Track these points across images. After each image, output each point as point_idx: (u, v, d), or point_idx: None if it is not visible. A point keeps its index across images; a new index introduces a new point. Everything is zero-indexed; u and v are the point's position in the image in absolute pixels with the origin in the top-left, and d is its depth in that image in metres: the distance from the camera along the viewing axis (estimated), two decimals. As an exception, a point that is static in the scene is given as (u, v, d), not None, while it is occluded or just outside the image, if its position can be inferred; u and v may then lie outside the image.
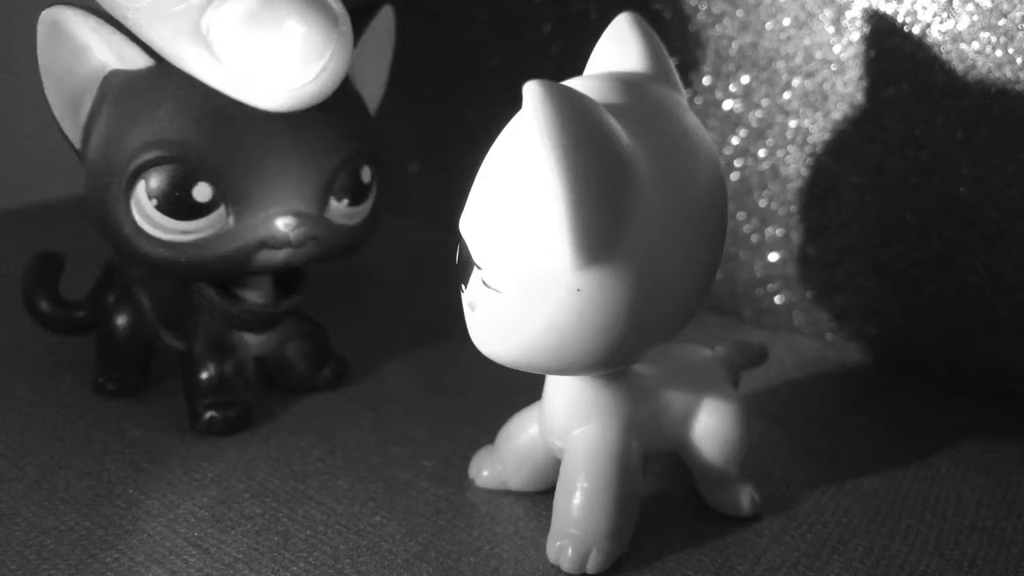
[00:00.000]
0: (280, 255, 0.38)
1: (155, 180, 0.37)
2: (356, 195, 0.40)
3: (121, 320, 0.42)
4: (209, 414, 0.40)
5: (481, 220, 0.30)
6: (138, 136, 0.37)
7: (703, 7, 0.50)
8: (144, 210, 0.37)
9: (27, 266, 0.44)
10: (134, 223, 0.37)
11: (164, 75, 0.37)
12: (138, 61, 0.37)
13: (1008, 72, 0.43)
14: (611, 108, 0.28)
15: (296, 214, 0.38)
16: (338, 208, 0.39)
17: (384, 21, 0.43)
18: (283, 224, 0.38)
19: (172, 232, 0.37)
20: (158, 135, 0.37)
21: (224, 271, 0.39)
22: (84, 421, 0.41)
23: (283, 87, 0.36)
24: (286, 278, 0.42)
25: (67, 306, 0.44)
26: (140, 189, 0.37)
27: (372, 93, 0.43)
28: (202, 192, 0.37)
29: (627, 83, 0.31)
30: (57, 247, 0.45)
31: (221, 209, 0.37)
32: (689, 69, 0.51)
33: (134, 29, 0.37)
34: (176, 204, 0.37)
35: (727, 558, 0.34)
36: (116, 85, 0.37)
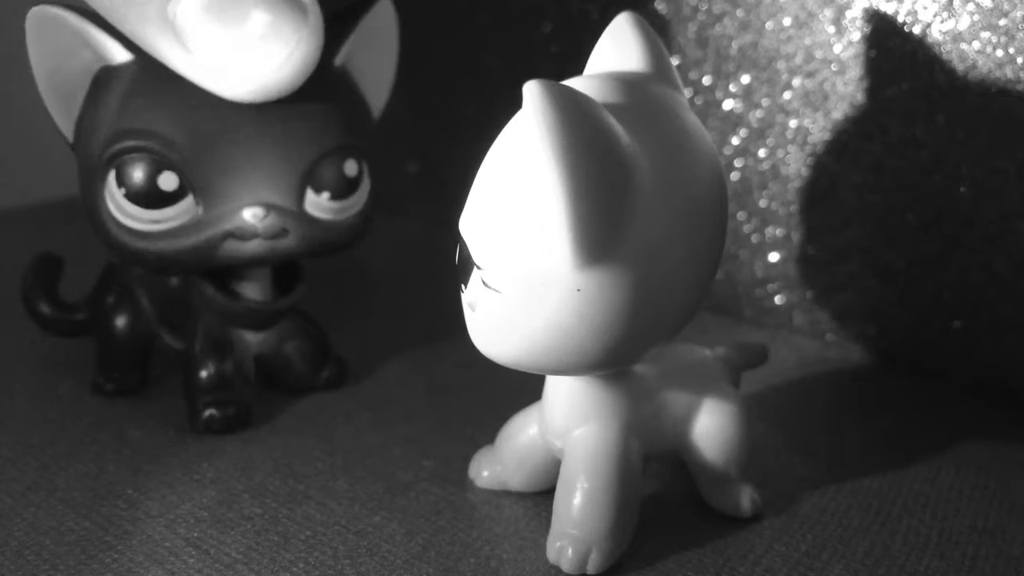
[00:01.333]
0: (249, 247, 0.38)
1: (124, 169, 0.37)
2: (340, 189, 0.39)
3: (120, 320, 0.42)
4: (208, 412, 0.40)
5: (481, 220, 0.30)
6: (109, 127, 0.37)
7: (703, 7, 0.50)
8: (116, 199, 0.37)
9: (26, 268, 0.44)
10: (110, 213, 0.38)
11: (142, 68, 0.38)
12: (120, 55, 0.38)
13: (1008, 72, 0.43)
14: (611, 108, 0.28)
15: (266, 205, 0.38)
16: (318, 202, 0.39)
17: (382, 15, 0.43)
18: (250, 215, 0.38)
19: (143, 222, 0.37)
20: (126, 125, 0.37)
21: (196, 262, 0.39)
22: (84, 421, 0.41)
23: (249, 76, 0.36)
24: (285, 276, 0.42)
25: (67, 308, 0.44)
26: (111, 179, 0.37)
27: (376, 89, 0.43)
28: (168, 181, 0.37)
29: (627, 83, 0.31)
30: (57, 247, 0.45)
31: (189, 199, 0.37)
32: (689, 69, 0.51)
33: (110, 19, 0.37)
34: (143, 193, 0.37)
35: (727, 559, 0.34)
36: (101, 80, 0.38)
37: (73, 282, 0.44)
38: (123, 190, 0.37)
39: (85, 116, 0.38)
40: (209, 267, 0.39)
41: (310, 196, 0.39)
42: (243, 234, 0.38)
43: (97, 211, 0.38)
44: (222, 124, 0.37)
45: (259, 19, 0.36)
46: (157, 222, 0.37)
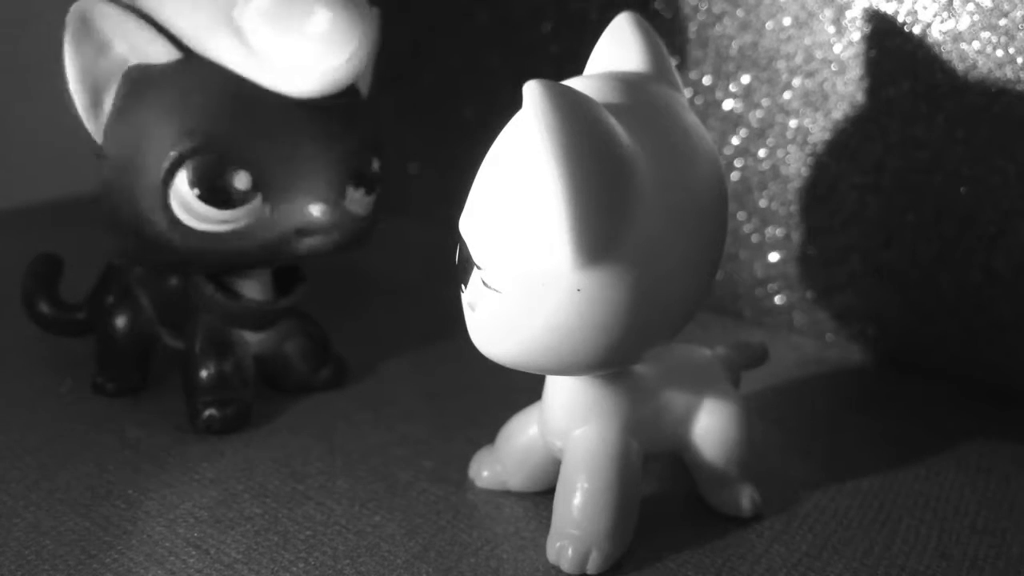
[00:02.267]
0: (310, 242, 0.39)
1: (196, 170, 0.37)
2: (370, 184, 0.40)
3: (121, 321, 0.42)
4: (208, 412, 0.40)
5: (481, 220, 0.30)
6: (174, 127, 0.37)
7: (703, 7, 0.50)
8: (185, 201, 0.37)
9: (26, 269, 0.44)
10: (171, 215, 0.37)
11: (192, 67, 0.37)
12: (165, 54, 0.37)
13: (1008, 72, 0.43)
14: (611, 108, 0.28)
15: (327, 201, 0.38)
16: (355, 196, 0.40)
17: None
18: (318, 211, 0.38)
19: (212, 222, 0.37)
20: (194, 125, 0.37)
21: (264, 260, 0.39)
22: (84, 421, 0.41)
23: (315, 72, 0.37)
24: (285, 275, 0.42)
25: (67, 308, 0.44)
26: (181, 179, 0.37)
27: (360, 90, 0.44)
28: (242, 180, 0.37)
29: (627, 83, 0.31)
30: (57, 247, 0.45)
31: (258, 197, 0.38)
32: (689, 69, 0.51)
33: (165, 20, 0.37)
34: (218, 193, 0.37)
35: (727, 558, 0.34)
36: (141, 79, 0.37)
37: (73, 282, 0.44)
38: (196, 191, 0.37)
39: (121, 117, 0.38)
40: (273, 264, 0.40)
41: (350, 191, 0.39)
42: (311, 229, 0.38)
43: (147, 215, 0.37)
44: (285, 122, 0.38)
45: (323, 16, 0.37)
46: (227, 222, 0.37)
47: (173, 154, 0.37)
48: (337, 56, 0.37)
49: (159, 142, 0.37)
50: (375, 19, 0.39)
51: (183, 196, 0.37)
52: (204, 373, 0.40)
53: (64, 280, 0.44)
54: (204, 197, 0.37)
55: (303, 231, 0.38)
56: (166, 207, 0.37)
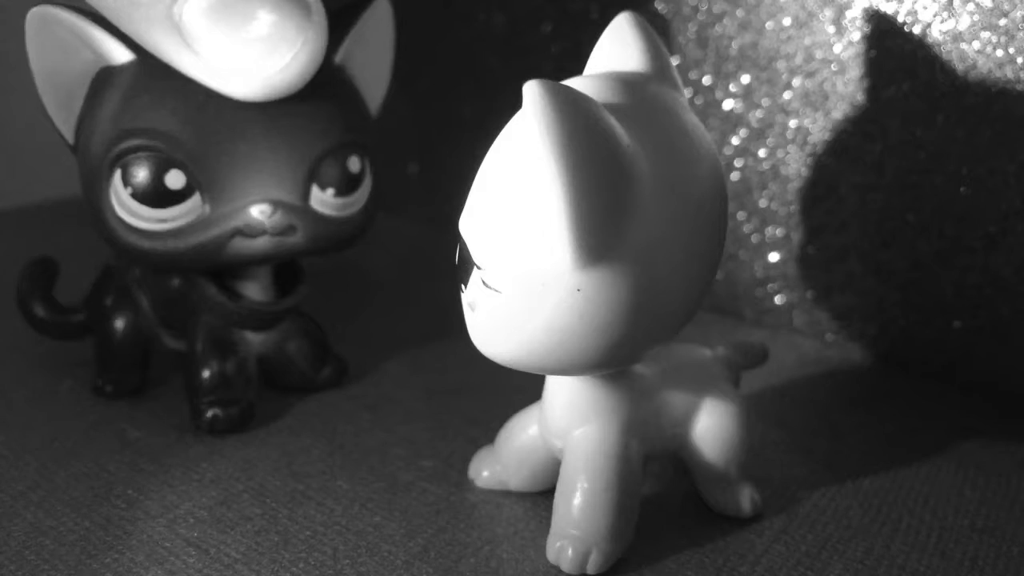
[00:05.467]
0: (257, 244, 0.38)
1: (129, 169, 0.37)
2: (343, 185, 0.40)
3: (119, 322, 0.42)
4: (212, 412, 0.40)
5: (481, 220, 0.30)
6: (113, 127, 0.37)
7: (703, 7, 0.50)
8: (121, 199, 0.37)
9: (20, 272, 0.44)
10: (115, 213, 0.38)
11: (144, 67, 0.38)
12: (122, 56, 0.38)
13: (1009, 72, 0.43)
14: (611, 108, 0.28)
15: (272, 202, 0.38)
16: (323, 198, 0.39)
17: (380, 13, 0.43)
18: (258, 211, 0.38)
19: (150, 221, 0.37)
20: (132, 124, 0.37)
21: (203, 260, 0.39)
22: (84, 421, 0.41)
23: (255, 76, 0.37)
24: (286, 276, 0.42)
25: (63, 311, 0.44)
26: (117, 178, 0.37)
27: (373, 87, 0.43)
28: (175, 179, 0.37)
29: (627, 83, 0.31)
30: (55, 248, 0.45)
31: (196, 197, 0.37)
32: (689, 69, 0.51)
33: (114, 20, 0.37)
34: (150, 192, 0.37)
35: (727, 559, 0.34)
36: (103, 81, 0.38)
37: (71, 283, 0.44)
38: (129, 189, 0.37)
39: (86, 117, 0.38)
40: (215, 266, 0.39)
41: (315, 193, 0.39)
42: (251, 231, 0.38)
43: (101, 211, 0.38)
44: (228, 122, 0.37)
45: (265, 19, 0.36)
46: (164, 221, 0.37)
47: (109, 155, 0.37)
48: (277, 61, 0.37)
49: (102, 142, 0.37)
50: (323, 22, 0.38)
51: (119, 194, 0.37)
52: (207, 373, 0.40)
53: (62, 281, 0.44)
54: (137, 196, 0.37)
55: (243, 231, 0.38)
56: (110, 205, 0.38)
